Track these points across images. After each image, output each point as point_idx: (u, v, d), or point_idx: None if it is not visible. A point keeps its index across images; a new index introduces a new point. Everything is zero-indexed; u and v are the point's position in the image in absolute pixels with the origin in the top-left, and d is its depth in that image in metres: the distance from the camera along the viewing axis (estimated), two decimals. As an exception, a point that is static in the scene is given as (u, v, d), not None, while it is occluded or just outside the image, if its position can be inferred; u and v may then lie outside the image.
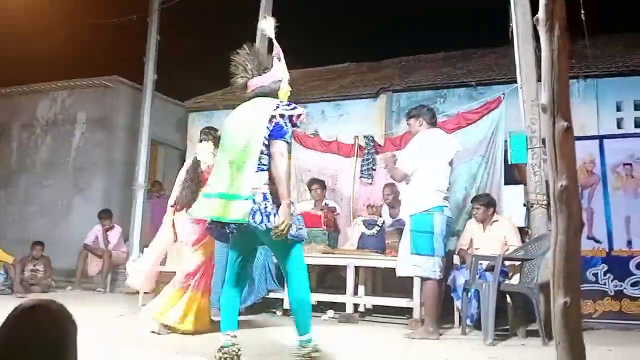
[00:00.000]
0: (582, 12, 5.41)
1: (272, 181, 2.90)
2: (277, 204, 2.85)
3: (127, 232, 8.47)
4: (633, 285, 5.52)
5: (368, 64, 10.77)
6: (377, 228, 5.62)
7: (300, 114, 3.03)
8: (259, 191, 2.86)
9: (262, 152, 2.91)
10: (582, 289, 1.42)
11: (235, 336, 3.04)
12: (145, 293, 6.10)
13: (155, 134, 9.36)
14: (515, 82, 5.56)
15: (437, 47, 10.72)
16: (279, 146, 2.93)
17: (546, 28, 1.42)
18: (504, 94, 5.78)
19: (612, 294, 5.53)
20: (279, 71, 3.23)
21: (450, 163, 4.49)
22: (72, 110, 10.17)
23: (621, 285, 5.54)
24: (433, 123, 4.60)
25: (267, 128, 2.92)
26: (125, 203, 9.21)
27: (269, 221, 2.81)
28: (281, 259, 3.06)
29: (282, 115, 2.97)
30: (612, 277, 5.59)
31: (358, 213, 6.44)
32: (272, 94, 3.17)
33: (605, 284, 5.60)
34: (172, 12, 9.00)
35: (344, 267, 5.30)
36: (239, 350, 3.03)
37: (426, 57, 10.44)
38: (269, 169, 2.92)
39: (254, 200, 2.83)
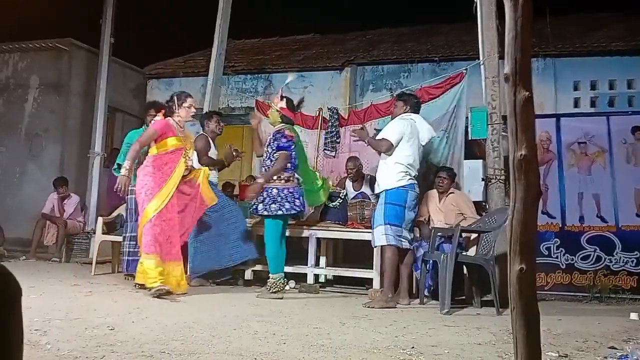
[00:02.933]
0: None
1: None
2: None
3: (83, 200, 8.26)
4: (583, 259, 5.75)
5: (333, 36, 10.68)
6: (339, 200, 5.64)
7: None
8: None
9: None
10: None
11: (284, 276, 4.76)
12: (97, 263, 6.00)
13: (113, 101, 9.07)
14: (478, 58, 5.62)
15: (402, 22, 10.72)
16: None
17: (511, -4, 1.42)
18: (466, 69, 5.83)
19: (564, 267, 5.75)
20: None
21: (424, 146, 4.86)
22: (25, 74, 9.74)
23: (572, 259, 5.76)
24: (416, 112, 4.84)
25: None
26: (82, 171, 8.96)
27: None
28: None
29: None
30: (563, 251, 5.81)
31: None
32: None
33: (557, 257, 5.81)
34: (131, -28, 8.68)
35: (306, 239, 5.34)
36: (286, 282, 4.76)
37: (391, 31, 10.42)
38: None
39: None
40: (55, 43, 9.50)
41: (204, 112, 7.06)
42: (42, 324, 2.94)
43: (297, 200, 4.68)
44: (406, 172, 4.53)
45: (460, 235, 4.84)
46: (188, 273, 5.30)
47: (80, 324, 3.05)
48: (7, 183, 9.44)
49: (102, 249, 6.15)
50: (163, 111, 4.77)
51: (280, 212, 4.61)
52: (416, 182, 4.68)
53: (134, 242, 5.42)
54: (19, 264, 6.54)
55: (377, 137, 4.71)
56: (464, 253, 4.87)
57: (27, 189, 9.26)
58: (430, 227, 5.16)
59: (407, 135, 4.57)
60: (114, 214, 6.56)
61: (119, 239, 6.05)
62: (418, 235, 5.25)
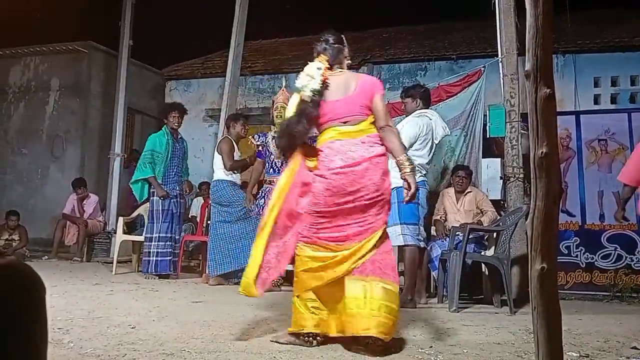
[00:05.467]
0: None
1: None
2: None
3: (103, 201, 8.37)
4: (604, 258, 5.67)
5: (349, 35, 10.62)
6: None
7: None
8: None
9: None
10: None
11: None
12: (118, 263, 6.08)
13: (132, 102, 9.18)
14: (496, 56, 5.57)
15: (419, 20, 10.66)
16: None
17: (531, -7, 1.41)
18: (484, 67, 5.79)
19: (584, 266, 5.67)
20: None
21: (439, 144, 4.78)
22: (46, 77, 9.90)
23: (592, 258, 5.68)
24: (428, 104, 4.76)
25: None
26: (102, 172, 9.08)
27: None
28: None
29: None
30: (584, 249, 5.73)
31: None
32: None
33: (577, 256, 5.74)
34: (149, -25, 8.77)
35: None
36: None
37: (408, 29, 10.37)
38: None
39: None
40: (75, 45, 9.64)
41: (222, 113, 7.17)
42: (65, 322, 2.99)
43: None
44: (417, 170, 4.45)
45: (482, 236, 4.83)
46: (207, 272, 5.41)
47: (102, 322, 3.09)
48: (29, 185, 9.61)
49: (122, 248, 6.23)
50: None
51: None
52: (426, 179, 4.63)
53: (163, 243, 5.56)
54: (41, 264, 6.65)
55: None
56: (483, 252, 4.84)
57: (49, 191, 9.41)
58: (446, 226, 5.13)
59: (422, 136, 4.48)
60: (134, 214, 6.65)
61: (140, 238, 6.14)
62: (435, 234, 5.23)
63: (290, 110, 2.91)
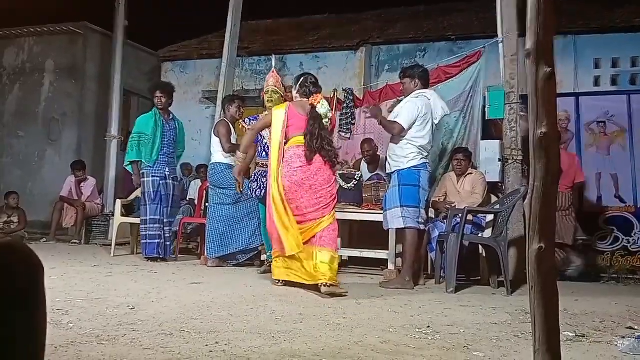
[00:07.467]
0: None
1: None
2: None
3: (101, 183, 8.36)
4: (601, 239, 5.70)
5: (348, 16, 10.56)
6: (354, 182, 5.63)
7: None
8: None
9: None
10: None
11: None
12: (116, 245, 6.09)
13: (128, 84, 9.11)
14: (496, 36, 5.52)
15: (419, 0, 10.53)
16: None
17: (533, -29, 1.39)
18: (484, 47, 5.73)
19: (581, 248, 5.70)
20: None
21: (438, 124, 4.73)
22: (41, 59, 9.82)
23: (589, 240, 5.70)
24: (427, 85, 4.72)
25: None
26: (98, 154, 9.06)
27: None
28: None
29: None
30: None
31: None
32: None
33: (574, 237, 5.75)
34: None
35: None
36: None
37: (407, 10, 10.27)
38: None
39: None
40: (70, 27, 9.54)
41: (219, 94, 7.12)
42: (64, 303, 3.01)
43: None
44: (418, 152, 4.45)
45: (475, 216, 4.83)
46: (205, 254, 5.43)
47: (101, 303, 3.10)
48: (26, 168, 9.59)
49: (120, 231, 6.24)
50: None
51: None
52: (428, 161, 4.61)
53: (152, 225, 5.53)
54: (39, 246, 6.65)
55: (390, 118, 4.63)
56: (480, 234, 4.85)
57: (46, 173, 9.40)
58: (446, 207, 5.13)
59: (421, 117, 4.46)
60: (132, 196, 6.63)
61: (138, 221, 6.13)
62: (434, 215, 5.24)
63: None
